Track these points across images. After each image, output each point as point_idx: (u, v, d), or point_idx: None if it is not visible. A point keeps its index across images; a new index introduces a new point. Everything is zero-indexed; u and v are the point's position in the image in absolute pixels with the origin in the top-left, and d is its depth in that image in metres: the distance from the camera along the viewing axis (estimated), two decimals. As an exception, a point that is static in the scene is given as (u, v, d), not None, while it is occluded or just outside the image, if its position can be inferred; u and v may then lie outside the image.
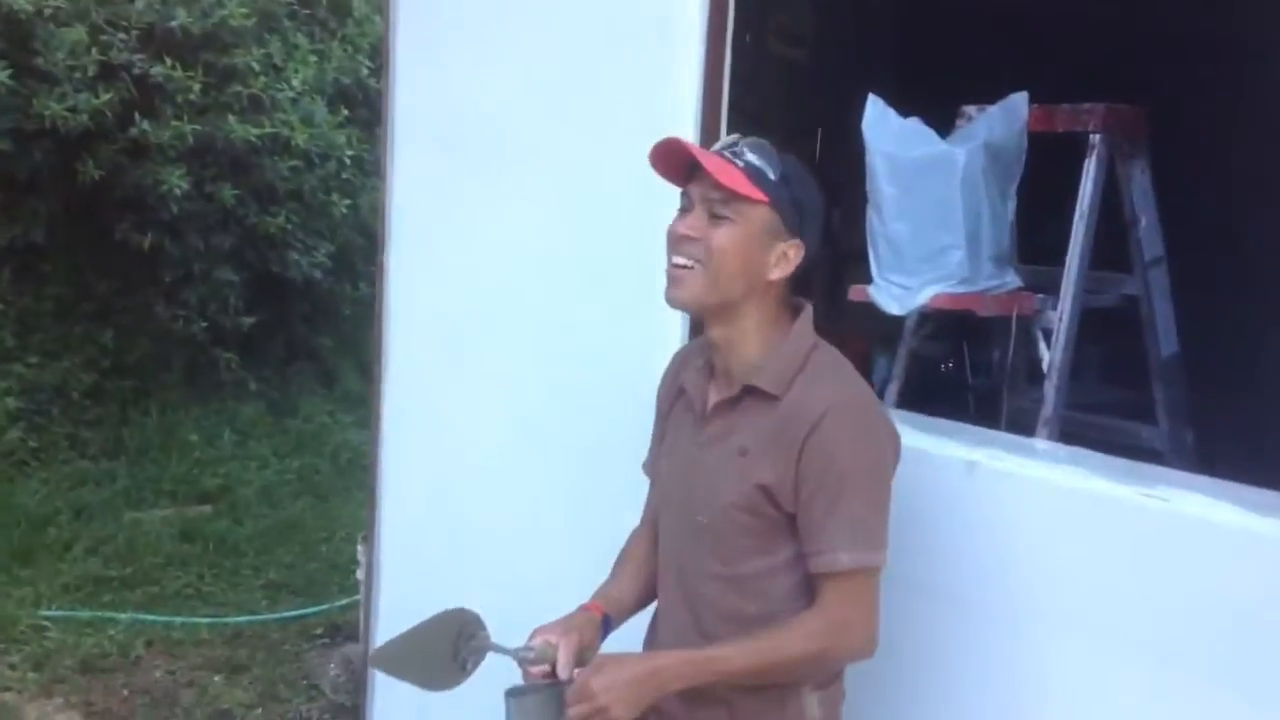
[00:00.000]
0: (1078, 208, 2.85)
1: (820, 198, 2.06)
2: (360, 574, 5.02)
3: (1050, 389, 2.85)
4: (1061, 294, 2.86)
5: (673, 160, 2.00)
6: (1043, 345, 2.93)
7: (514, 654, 2.03)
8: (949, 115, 3.08)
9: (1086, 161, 2.86)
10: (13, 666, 4.78)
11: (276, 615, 5.49)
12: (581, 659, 2.01)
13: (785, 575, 1.99)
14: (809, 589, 1.98)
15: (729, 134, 2.62)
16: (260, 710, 4.61)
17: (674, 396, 2.22)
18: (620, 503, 2.39)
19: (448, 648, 2.06)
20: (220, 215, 7.37)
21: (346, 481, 7.61)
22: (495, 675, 2.09)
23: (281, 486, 7.27)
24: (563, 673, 1.99)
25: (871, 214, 2.88)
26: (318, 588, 5.87)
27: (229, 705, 4.63)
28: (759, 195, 1.94)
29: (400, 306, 3.92)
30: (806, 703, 2.02)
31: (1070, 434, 2.81)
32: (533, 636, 2.05)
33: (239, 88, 7.14)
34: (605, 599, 2.17)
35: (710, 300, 1.98)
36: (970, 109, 3.03)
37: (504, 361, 3.43)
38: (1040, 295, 2.96)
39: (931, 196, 2.78)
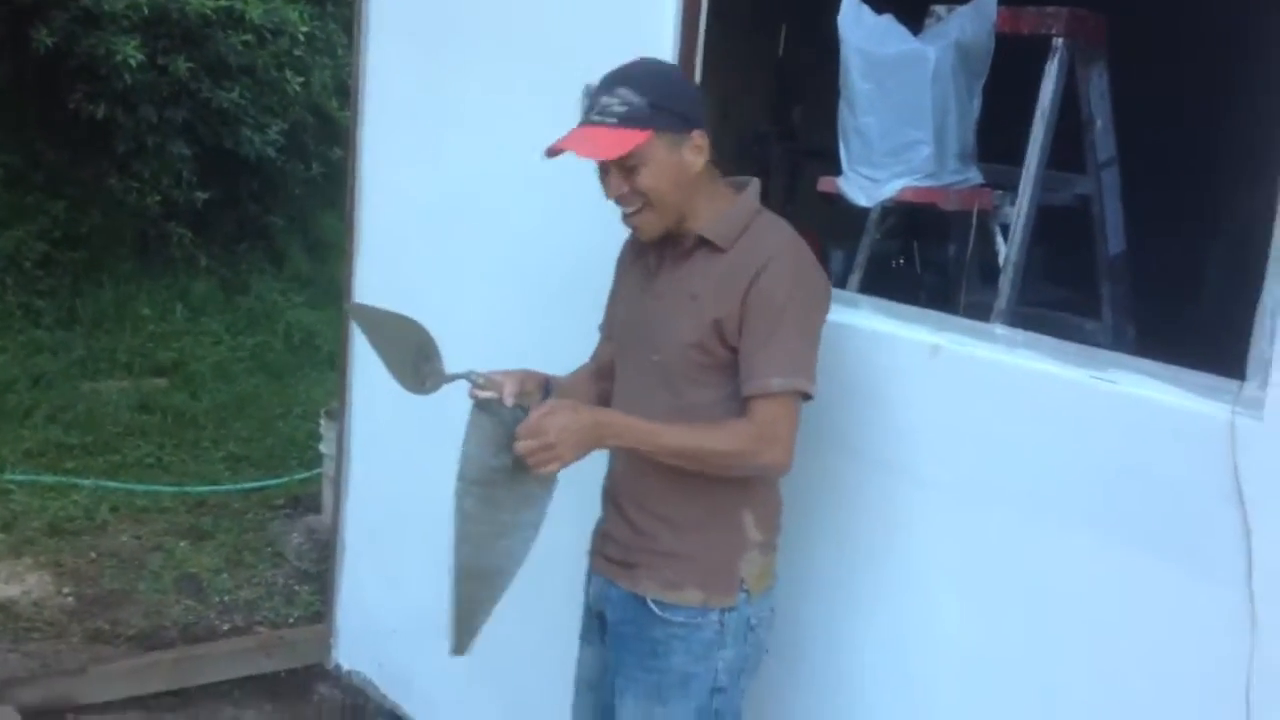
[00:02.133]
0: (1038, 107, 2.98)
1: (688, 80, 2.36)
2: (323, 447, 5.16)
3: (1005, 282, 3.00)
4: (1020, 191, 3.00)
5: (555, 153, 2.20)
6: (1000, 240, 3.08)
7: (465, 375, 2.20)
8: (919, 13, 3.18)
9: (1048, 63, 2.98)
10: (-20, 527, 4.88)
11: (238, 486, 5.62)
12: (521, 401, 2.16)
13: (726, 406, 2.18)
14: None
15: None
16: (226, 575, 4.76)
17: (629, 256, 2.43)
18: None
19: (410, 353, 2.24)
20: (173, 88, 7.35)
21: (299, 359, 7.72)
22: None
23: (235, 363, 7.36)
24: (507, 400, 2.15)
25: (843, 108, 2.98)
26: (276, 461, 6.01)
27: (195, 570, 4.77)
28: (641, 137, 2.13)
29: (372, 190, 3.97)
30: (745, 523, 2.24)
31: (1021, 326, 2.96)
32: (485, 373, 2.22)
33: (194, -42, 7.07)
34: (554, 377, 2.37)
35: (671, 220, 2.21)
36: (940, 8, 3.13)
37: (477, 245, 3.51)
38: (999, 191, 3.10)
39: (902, 92, 2.89)
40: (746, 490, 2.26)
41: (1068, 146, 3.23)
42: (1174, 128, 3.79)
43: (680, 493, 2.23)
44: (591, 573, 2.43)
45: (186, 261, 8.04)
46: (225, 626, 4.37)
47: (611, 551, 2.35)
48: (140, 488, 5.44)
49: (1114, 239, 3.20)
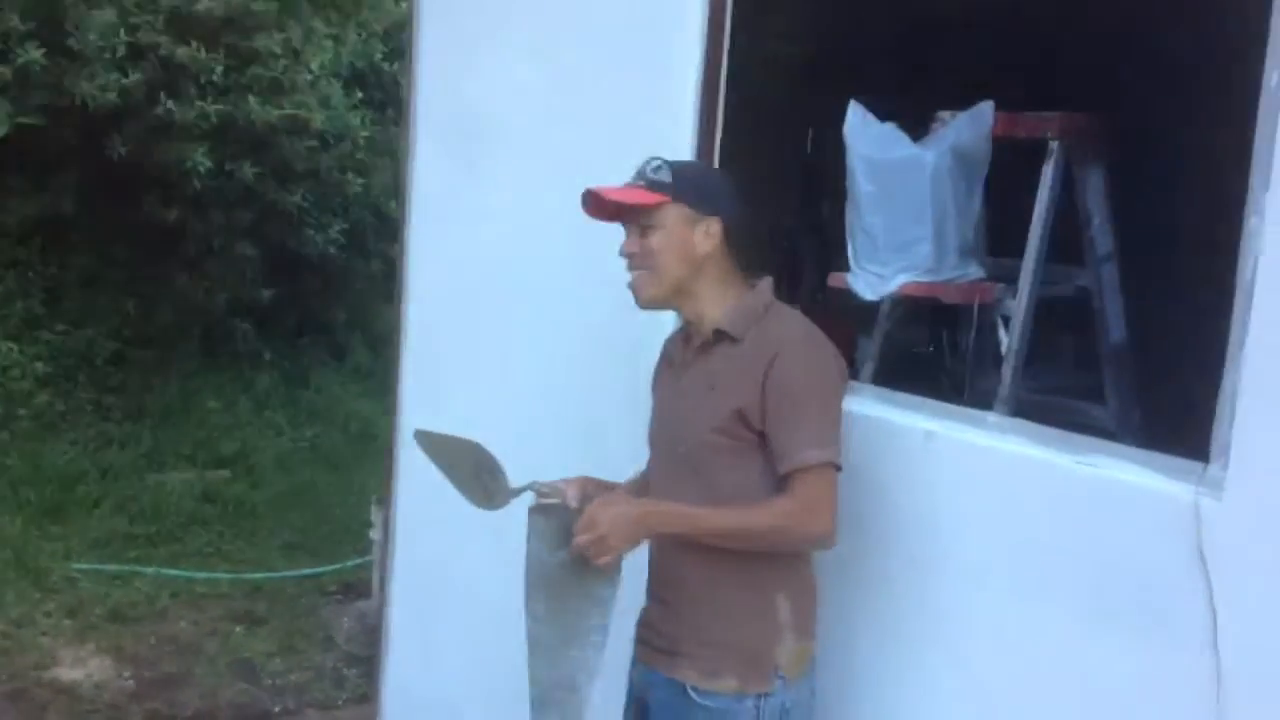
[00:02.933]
0: (1036, 206, 3.14)
1: (724, 178, 2.51)
2: (374, 534, 5.34)
3: (1007, 370, 3.13)
4: (1020, 284, 3.15)
5: (598, 205, 2.40)
6: (1002, 331, 3.22)
7: (529, 487, 2.36)
8: (923, 119, 3.36)
9: (1045, 165, 3.14)
10: (48, 614, 5.12)
11: (293, 573, 5.83)
12: (585, 505, 2.30)
13: (755, 488, 2.30)
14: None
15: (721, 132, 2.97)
16: (279, 659, 4.94)
17: (659, 368, 2.59)
18: (623, 473, 2.69)
19: (471, 470, 2.41)
20: (240, 192, 7.69)
21: (356, 450, 7.95)
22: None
23: (295, 454, 7.62)
24: (572, 504, 2.30)
25: (850, 209, 3.16)
26: (331, 548, 6.21)
27: (250, 654, 4.96)
28: (658, 198, 2.34)
29: (418, 284, 4.19)
30: (779, 606, 2.34)
31: (1028, 413, 3.08)
32: (549, 483, 2.39)
33: (259, 70, 7.47)
34: (619, 485, 2.52)
35: (664, 291, 2.39)
36: (945, 114, 3.31)
37: (514, 337, 3.70)
38: (1001, 285, 3.25)
39: (904, 194, 3.06)
40: (780, 573, 2.37)
41: (1073, 238, 3.37)
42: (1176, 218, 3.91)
43: (716, 578, 2.34)
44: (636, 660, 2.51)
45: (251, 356, 8.36)
46: (276, 709, 4.55)
47: (654, 639, 2.44)
48: (200, 575, 5.66)
49: (1115, 329, 3.32)
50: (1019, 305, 3.15)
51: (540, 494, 2.35)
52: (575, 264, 3.43)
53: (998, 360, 3.53)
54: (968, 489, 2.47)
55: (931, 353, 4.47)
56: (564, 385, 3.46)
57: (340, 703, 4.62)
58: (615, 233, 3.11)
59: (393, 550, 4.31)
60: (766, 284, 2.44)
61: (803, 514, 2.26)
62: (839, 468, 2.29)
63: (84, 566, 5.58)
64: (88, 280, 7.59)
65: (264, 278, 8.18)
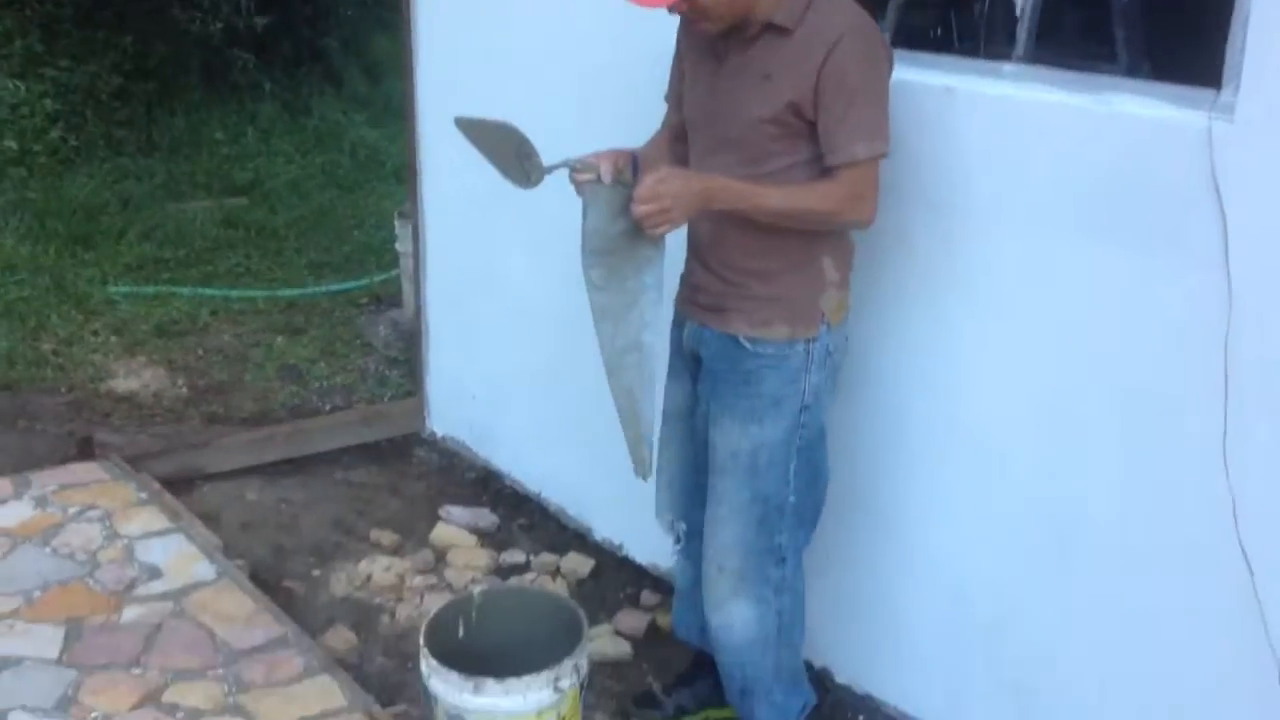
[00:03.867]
0: None
1: None
2: (399, 246, 5.52)
3: (1021, 29, 3.21)
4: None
5: None
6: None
7: (565, 163, 2.45)
8: None
9: None
10: (95, 333, 5.34)
11: (324, 289, 6.01)
12: (619, 178, 2.42)
13: (802, 170, 2.44)
14: (816, 175, 2.43)
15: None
16: (322, 364, 5.18)
17: (692, 38, 2.61)
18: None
19: (510, 152, 2.48)
20: (228, -85, 7.51)
21: (365, 175, 8.06)
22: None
23: (307, 180, 7.72)
24: (605, 178, 2.38)
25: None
26: (355, 266, 6.39)
27: (294, 360, 5.21)
28: None
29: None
30: (825, 266, 2.53)
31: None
32: (580, 157, 2.46)
33: None
34: (635, 150, 2.61)
35: (730, 22, 2.40)
36: None
37: (525, 41, 3.74)
38: (1016, -53, 3.29)
39: None
40: (826, 238, 2.52)
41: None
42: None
43: (765, 249, 2.49)
44: (684, 319, 2.68)
45: (251, 87, 8.34)
46: (327, 407, 4.81)
47: (703, 300, 2.60)
48: (235, 293, 5.86)
49: (1126, -14, 3.38)
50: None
51: (575, 169, 2.43)
52: None
53: (1009, 29, 3.61)
54: (987, 138, 2.60)
55: (941, 35, 4.53)
56: (593, 93, 3.50)
57: (386, 399, 4.87)
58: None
59: (424, 257, 4.48)
60: None
61: (850, 201, 2.40)
62: (885, 155, 2.41)
63: (123, 289, 5.77)
64: (84, 17, 7.50)
65: (256, 6, 8.07)
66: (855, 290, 2.66)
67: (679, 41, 2.70)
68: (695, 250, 2.63)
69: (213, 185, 7.31)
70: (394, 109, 8.72)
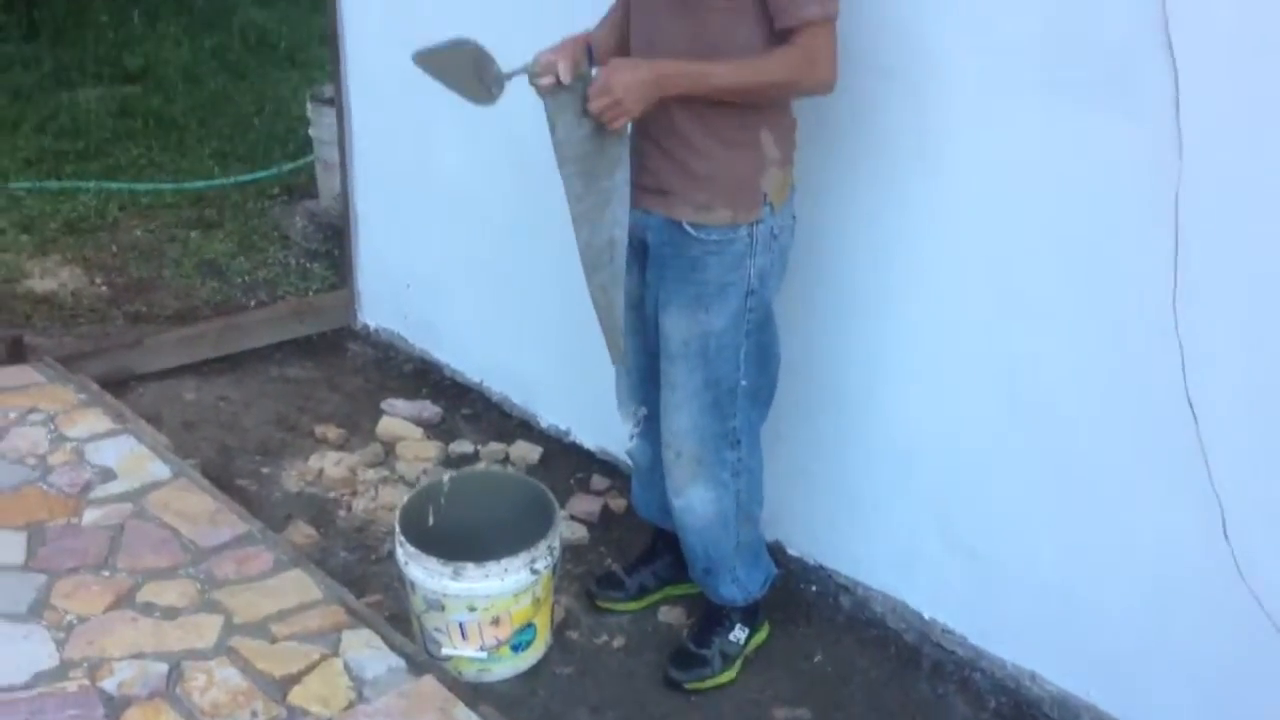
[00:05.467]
0: None
1: None
2: (313, 132, 5.41)
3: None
4: None
5: None
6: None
7: (523, 70, 2.44)
8: None
9: None
10: (3, 231, 5.18)
11: (234, 179, 5.89)
12: (578, 74, 2.42)
13: (749, 40, 2.42)
14: (767, 45, 2.42)
15: None
16: (242, 259, 5.12)
17: None
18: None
19: (471, 72, 2.45)
20: None
21: (258, 59, 7.86)
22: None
23: (199, 65, 7.51)
24: (565, 77, 2.36)
25: None
26: (261, 155, 6.26)
27: (212, 256, 5.13)
28: None
29: None
30: (764, 141, 2.53)
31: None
32: (535, 58, 2.45)
33: None
34: (589, 36, 2.63)
35: None
36: None
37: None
38: None
39: None
40: (764, 113, 2.51)
41: None
42: None
43: (705, 122, 2.48)
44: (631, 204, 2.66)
45: (134, -35, 8.02)
46: (252, 303, 4.77)
47: (647, 181, 2.58)
48: (142, 186, 5.71)
49: None
50: None
51: (533, 73, 2.42)
52: None
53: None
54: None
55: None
56: None
57: (311, 292, 4.84)
58: None
59: (349, 142, 4.42)
60: None
61: (808, 66, 2.40)
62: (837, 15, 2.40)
63: (25, 185, 5.59)
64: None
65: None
66: (806, 166, 2.68)
67: None
68: (637, 129, 2.59)
69: (103, 73, 7.07)
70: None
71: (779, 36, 2.41)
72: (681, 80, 2.40)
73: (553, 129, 2.44)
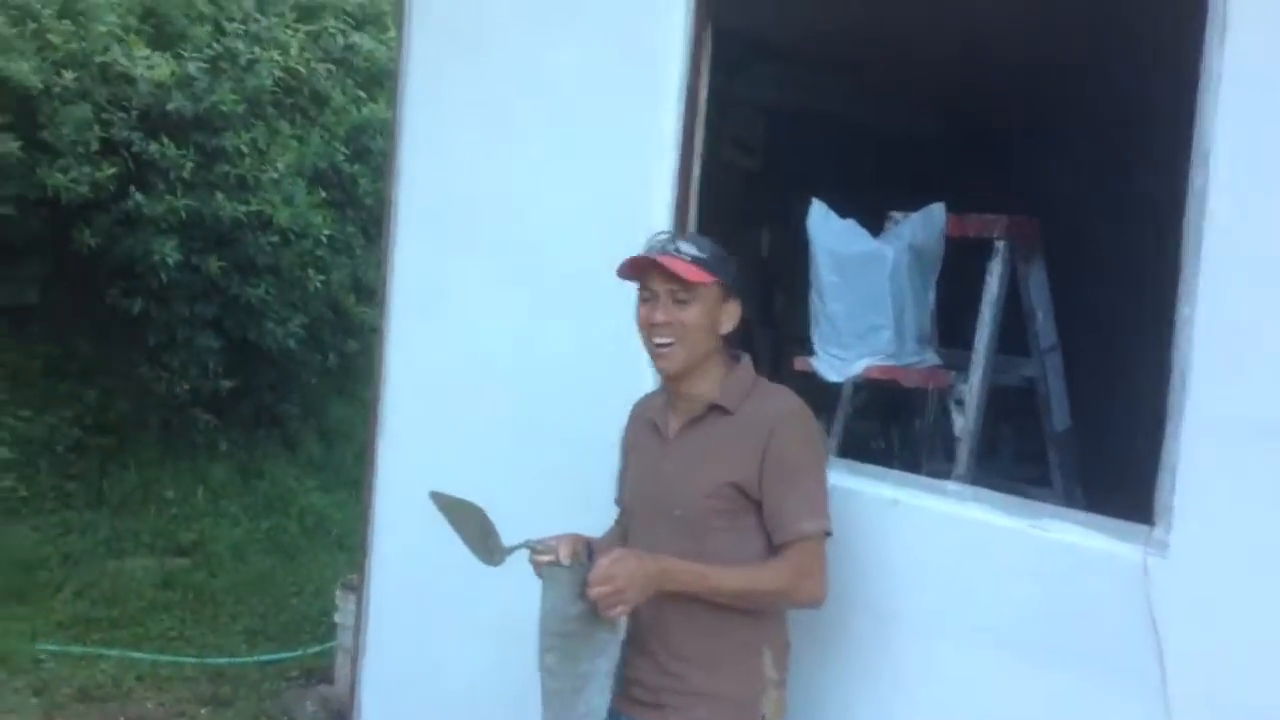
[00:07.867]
0: (984, 299, 3.41)
1: (732, 260, 2.66)
2: (338, 618, 5.43)
3: (962, 450, 3.38)
4: (971, 371, 3.41)
5: (634, 266, 2.58)
6: (956, 415, 3.47)
7: (525, 544, 2.49)
8: (876, 216, 3.63)
9: (991, 262, 3.43)
10: (15, 691, 5.14)
11: (255, 658, 5.85)
12: (576, 560, 2.45)
13: (742, 548, 2.49)
14: (765, 556, 2.49)
15: (691, 228, 3.21)
16: (243, 746, 4.99)
17: (636, 432, 2.76)
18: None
19: (477, 530, 2.54)
20: (205, 285, 7.82)
21: (311, 541, 8.02)
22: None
23: (252, 543, 7.66)
24: (564, 561, 2.44)
25: (814, 297, 3.41)
26: (290, 635, 6.25)
27: (214, 738, 5.01)
28: (708, 279, 2.53)
29: (395, 375, 4.36)
30: (764, 661, 2.52)
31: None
32: (539, 539, 2.51)
33: (227, 168, 7.68)
34: (594, 539, 2.67)
35: (690, 364, 2.56)
36: (897, 214, 3.59)
37: (487, 428, 3.87)
38: (955, 372, 3.51)
39: (865, 285, 3.32)
40: (763, 630, 2.54)
41: (1015, 330, 3.65)
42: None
43: (705, 633, 2.50)
44: (618, 712, 2.60)
45: (208, 446, 8.42)
46: (246, 788, 4.59)
47: (638, 694, 2.57)
48: (164, 658, 5.69)
49: (1059, 415, 3.59)
50: (970, 390, 3.41)
51: (535, 550, 2.49)
52: (547, 357, 3.64)
53: (947, 447, 3.79)
54: (929, 551, 2.70)
55: (883, 448, 4.73)
56: (537, 479, 3.60)
57: (308, 782, 4.66)
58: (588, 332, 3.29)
59: (365, 631, 4.43)
60: (748, 360, 2.65)
61: (801, 580, 2.46)
62: (830, 533, 2.49)
63: (50, 648, 5.60)
64: (50, 369, 7.66)
65: (224, 369, 8.28)
66: (799, 691, 2.64)
67: (624, 443, 2.82)
68: (633, 637, 2.58)
69: (156, 544, 7.25)
70: (346, 475, 8.82)
71: (775, 550, 2.48)
72: (684, 576, 2.43)
73: (543, 597, 2.46)
